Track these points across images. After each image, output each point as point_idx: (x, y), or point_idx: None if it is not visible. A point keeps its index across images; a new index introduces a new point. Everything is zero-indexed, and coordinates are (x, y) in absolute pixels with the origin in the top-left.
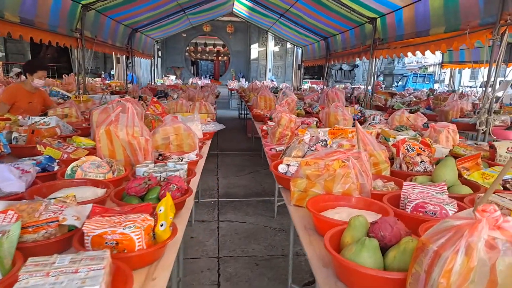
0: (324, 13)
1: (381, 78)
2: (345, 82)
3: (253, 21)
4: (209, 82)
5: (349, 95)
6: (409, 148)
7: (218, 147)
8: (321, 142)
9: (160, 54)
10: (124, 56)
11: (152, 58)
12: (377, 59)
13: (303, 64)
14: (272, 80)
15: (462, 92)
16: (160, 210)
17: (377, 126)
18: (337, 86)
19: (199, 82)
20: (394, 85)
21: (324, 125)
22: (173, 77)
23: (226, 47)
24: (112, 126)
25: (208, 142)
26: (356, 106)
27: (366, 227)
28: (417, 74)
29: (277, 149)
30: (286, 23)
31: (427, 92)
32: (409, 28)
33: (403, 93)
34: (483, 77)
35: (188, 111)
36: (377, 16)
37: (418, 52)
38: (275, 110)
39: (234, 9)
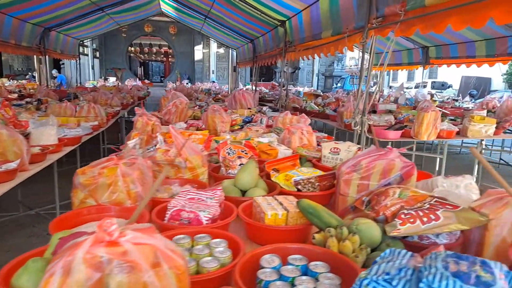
0: (243, 16)
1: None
2: (289, 84)
3: (183, 22)
4: (139, 83)
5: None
6: (229, 151)
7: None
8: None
9: (98, 55)
10: (46, 57)
11: (78, 58)
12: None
13: (237, 66)
14: (214, 82)
15: (382, 92)
16: None
17: (253, 129)
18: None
19: (127, 83)
20: (333, 86)
21: (205, 128)
22: (113, 79)
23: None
24: None
25: (68, 149)
26: (264, 108)
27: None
28: (354, 76)
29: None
30: (213, 24)
31: (352, 93)
32: (307, 31)
33: (327, 94)
34: (377, 79)
35: (73, 115)
36: (285, 19)
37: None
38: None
39: (162, 9)
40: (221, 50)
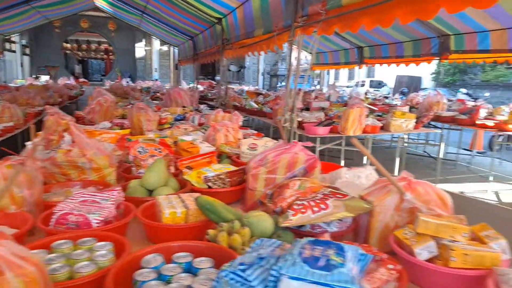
0: (180, 13)
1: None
2: (234, 83)
3: (120, 18)
4: (73, 81)
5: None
6: (141, 150)
7: None
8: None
9: (28, 52)
10: None
11: (1, 55)
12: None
13: (179, 63)
14: (156, 80)
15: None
16: None
17: (182, 127)
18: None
19: (60, 82)
20: (278, 85)
21: (129, 127)
22: (45, 78)
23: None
24: None
25: None
26: (202, 106)
27: None
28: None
29: None
30: (151, 21)
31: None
32: (242, 29)
33: (269, 93)
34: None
35: None
36: (222, 17)
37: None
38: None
39: (96, 3)
40: (165, 48)
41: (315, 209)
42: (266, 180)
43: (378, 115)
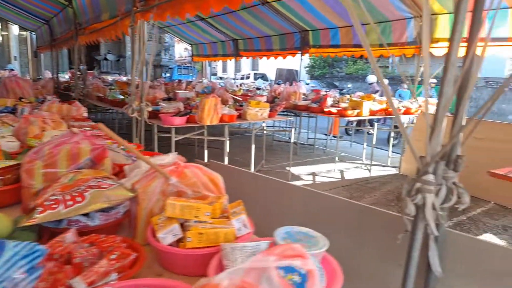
0: None
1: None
2: (113, 73)
3: None
4: None
5: None
6: None
7: None
8: None
9: None
10: None
11: None
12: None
13: (38, 51)
14: (12, 70)
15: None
16: None
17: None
18: (104, 77)
19: None
20: (163, 76)
21: None
22: None
23: None
24: None
25: None
26: (49, 97)
27: None
28: (181, 66)
29: None
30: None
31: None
32: (91, 13)
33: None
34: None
35: None
36: None
37: None
38: None
39: None
40: (25, 33)
41: (69, 203)
42: (44, 175)
43: (240, 106)
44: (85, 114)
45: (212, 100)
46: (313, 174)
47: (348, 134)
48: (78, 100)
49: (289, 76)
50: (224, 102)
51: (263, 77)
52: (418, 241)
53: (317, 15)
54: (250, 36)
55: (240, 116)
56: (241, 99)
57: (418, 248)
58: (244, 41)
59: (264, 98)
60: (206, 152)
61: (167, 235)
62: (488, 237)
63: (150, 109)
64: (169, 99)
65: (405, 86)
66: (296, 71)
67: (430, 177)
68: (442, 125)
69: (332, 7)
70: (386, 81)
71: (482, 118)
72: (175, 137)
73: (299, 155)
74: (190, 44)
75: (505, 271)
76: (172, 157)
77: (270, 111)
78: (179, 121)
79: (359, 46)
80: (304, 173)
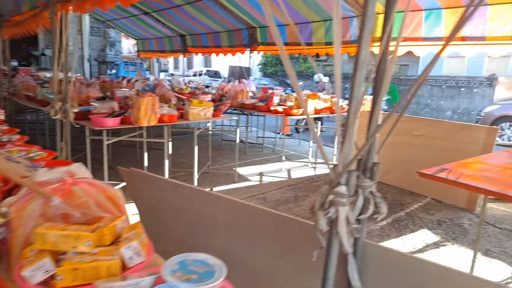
0: None
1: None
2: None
3: None
4: None
5: None
6: None
7: None
8: None
9: None
10: None
11: None
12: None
13: None
14: None
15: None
16: None
17: None
18: (40, 74)
19: None
20: (108, 73)
21: None
22: None
23: None
24: None
25: None
26: None
27: None
28: (128, 62)
29: None
30: None
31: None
32: (11, 4)
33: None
34: None
35: None
36: None
37: None
38: None
39: None
40: None
41: None
42: None
43: (183, 104)
44: (1, 117)
45: (149, 99)
46: (260, 174)
47: (298, 132)
48: (3, 100)
49: (242, 74)
50: (167, 101)
51: (216, 74)
52: (334, 258)
53: (263, 12)
54: (198, 32)
55: (182, 116)
56: (185, 97)
57: (334, 266)
58: (192, 37)
59: (209, 97)
60: (146, 155)
61: (35, 272)
62: (424, 232)
63: (76, 110)
64: (103, 98)
65: None
66: (249, 68)
67: (343, 189)
68: (354, 129)
69: (278, 4)
70: (326, 79)
71: (401, 114)
72: (107, 139)
73: (248, 154)
74: (136, 39)
75: (424, 283)
76: (75, 167)
77: (214, 110)
78: (112, 122)
79: (308, 44)
80: (251, 173)
